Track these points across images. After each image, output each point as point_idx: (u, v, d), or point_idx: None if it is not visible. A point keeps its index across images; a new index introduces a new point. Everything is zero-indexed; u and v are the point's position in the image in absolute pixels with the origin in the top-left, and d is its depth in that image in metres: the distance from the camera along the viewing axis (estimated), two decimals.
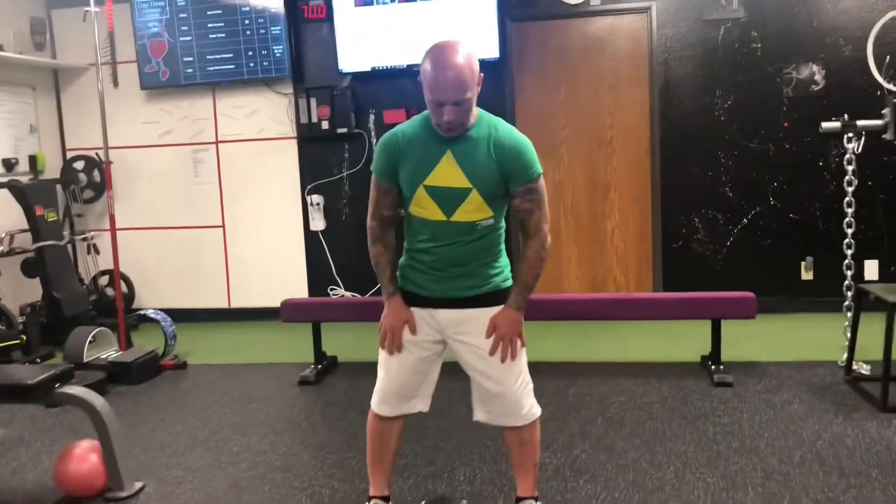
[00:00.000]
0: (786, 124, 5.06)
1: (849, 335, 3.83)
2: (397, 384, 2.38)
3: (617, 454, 3.07)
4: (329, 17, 5.40)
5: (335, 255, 5.65)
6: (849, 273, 4.00)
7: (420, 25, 5.23)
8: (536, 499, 2.49)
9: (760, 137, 5.10)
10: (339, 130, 5.46)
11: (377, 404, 2.44)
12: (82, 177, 5.79)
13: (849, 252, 3.98)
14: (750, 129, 5.11)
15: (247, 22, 5.46)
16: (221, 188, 5.80)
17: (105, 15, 4.57)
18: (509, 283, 2.34)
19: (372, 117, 5.50)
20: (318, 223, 5.66)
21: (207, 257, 5.88)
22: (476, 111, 2.22)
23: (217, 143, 5.77)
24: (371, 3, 5.28)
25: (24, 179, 5.33)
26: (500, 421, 2.39)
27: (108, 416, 2.90)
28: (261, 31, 5.45)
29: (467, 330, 2.32)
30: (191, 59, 5.57)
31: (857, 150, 3.91)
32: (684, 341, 4.57)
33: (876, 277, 4.99)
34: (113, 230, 4.70)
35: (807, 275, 5.17)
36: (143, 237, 5.94)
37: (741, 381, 3.86)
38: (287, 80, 5.53)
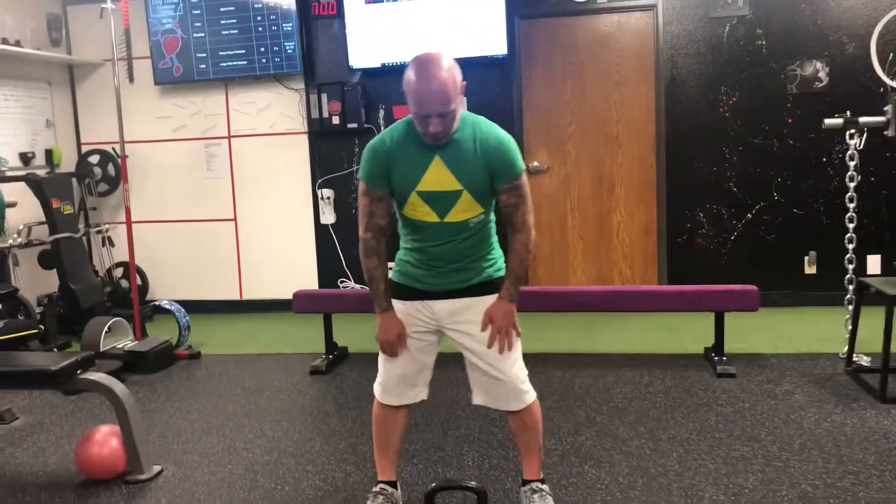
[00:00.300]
0: (790, 121, 5.13)
1: (849, 327, 3.90)
2: (397, 376, 2.47)
3: (621, 441, 3.16)
4: (340, 14, 5.49)
5: (345, 247, 5.74)
6: (850, 267, 4.07)
7: (429, 22, 5.31)
8: (542, 481, 2.57)
9: (765, 134, 5.17)
10: (350, 125, 5.54)
11: (381, 395, 2.54)
12: (97, 170, 5.90)
13: (850, 246, 4.04)
14: (754, 126, 5.18)
15: (259, 18, 5.55)
16: (234, 182, 5.90)
17: (121, 11, 4.66)
18: (502, 272, 2.42)
19: (382, 112, 5.59)
20: (328, 217, 5.76)
21: (220, 250, 5.99)
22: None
23: (229, 137, 5.86)
24: (381, 1, 5.36)
25: (41, 173, 5.44)
26: (499, 405, 2.47)
27: (129, 401, 3.00)
28: (273, 28, 5.54)
29: (463, 319, 2.41)
30: (204, 55, 5.66)
31: (860, 146, 3.97)
32: (688, 334, 4.65)
33: (878, 272, 5.06)
34: (129, 223, 4.79)
35: (810, 269, 5.23)
36: (156, 230, 6.05)
37: (744, 372, 3.94)
38: (298, 75, 5.63)
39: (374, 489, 2.60)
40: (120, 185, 5.62)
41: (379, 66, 5.44)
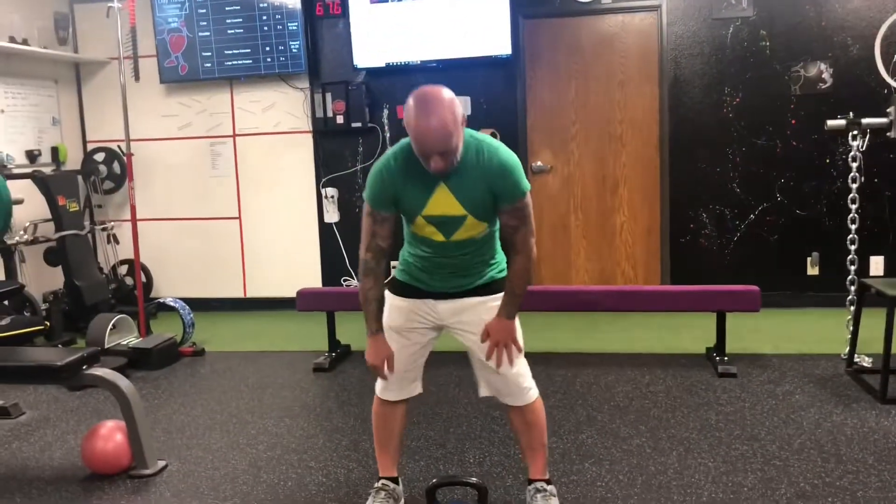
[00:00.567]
0: (793, 122, 5.14)
1: (851, 328, 3.91)
2: (398, 372, 2.49)
3: (622, 440, 3.18)
4: (344, 14, 5.51)
5: (349, 246, 5.76)
6: (852, 268, 4.07)
7: (434, 22, 5.33)
8: (548, 482, 2.58)
9: (768, 134, 5.18)
10: (354, 125, 5.56)
11: (382, 390, 2.57)
12: (102, 168, 5.92)
13: (852, 247, 4.05)
14: (758, 127, 5.19)
15: (264, 18, 5.58)
16: (238, 180, 5.93)
17: (127, 10, 4.69)
18: (504, 273, 2.45)
19: (386, 112, 5.61)
20: (332, 215, 5.79)
21: (224, 248, 6.02)
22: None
23: (234, 136, 5.89)
24: (386, 1, 5.38)
25: (47, 170, 5.48)
26: (504, 399, 2.50)
27: (133, 397, 3.03)
28: (278, 27, 5.56)
29: (466, 319, 2.44)
30: (209, 53, 5.69)
31: (862, 147, 3.98)
32: (690, 334, 4.66)
33: (882, 274, 5.07)
34: (134, 220, 4.82)
35: (812, 270, 5.24)
36: (161, 228, 6.08)
37: (745, 372, 3.95)
38: (303, 75, 5.65)
39: (375, 485, 2.63)
40: (125, 182, 5.66)
41: (383, 65, 5.46)
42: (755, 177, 5.23)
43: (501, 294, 2.40)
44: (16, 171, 5.27)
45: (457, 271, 2.41)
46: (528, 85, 5.49)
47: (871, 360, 3.88)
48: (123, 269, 5.98)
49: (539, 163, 5.53)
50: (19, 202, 5.00)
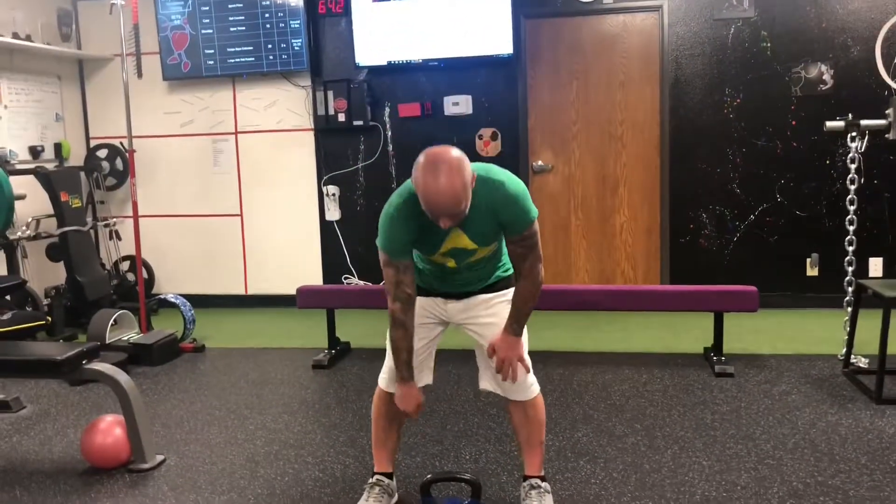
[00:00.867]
0: (794, 123, 5.14)
1: (848, 329, 3.92)
2: None
3: (617, 438, 3.19)
4: (346, 12, 5.53)
5: (349, 244, 5.79)
6: (850, 269, 4.08)
7: (435, 21, 5.35)
8: (543, 478, 2.59)
9: (768, 135, 5.19)
10: (356, 123, 5.59)
11: (386, 384, 2.59)
12: (105, 164, 5.95)
13: (850, 249, 4.06)
14: (758, 127, 5.19)
15: (267, 16, 5.60)
16: (240, 178, 5.95)
17: (130, 7, 4.71)
18: (510, 272, 2.49)
19: (387, 110, 5.63)
20: (333, 213, 5.81)
21: (225, 245, 6.04)
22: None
23: (236, 133, 5.92)
24: None
25: (50, 166, 5.50)
26: (506, 393, 2.53)
27: (133, 392, 3.05)
28: (280, 25, 5.58)
29: (474, 315, 2.50)
30: (212, 51, 5.72)
31: (861, 148, 3.99)
32: (688, 333, 4.68)
33: (881, 275, 5.08)
34: (135, 217, 4.85)
35: (812, 271, 5.25)
36: (162, 224, 6.11)
37: (742, 372, 3.97)
38: (305, 72, 5.67)
39: (370, 480, 2.65)
40: (127, 179, 5.69)
41: (385, 63, 5.48)
42: (755, 177, 5.24)
43: (507, 290, 2.47)
44: (19, 166, 5.30)
45: (466, 281, 2.48)
46: (529, 84, 5.50)
47: (867, 360, 3.89)
48: (125, 265, 6.01)
49: (540, 162, 5.54)
50: (22, 198, 5.03)
